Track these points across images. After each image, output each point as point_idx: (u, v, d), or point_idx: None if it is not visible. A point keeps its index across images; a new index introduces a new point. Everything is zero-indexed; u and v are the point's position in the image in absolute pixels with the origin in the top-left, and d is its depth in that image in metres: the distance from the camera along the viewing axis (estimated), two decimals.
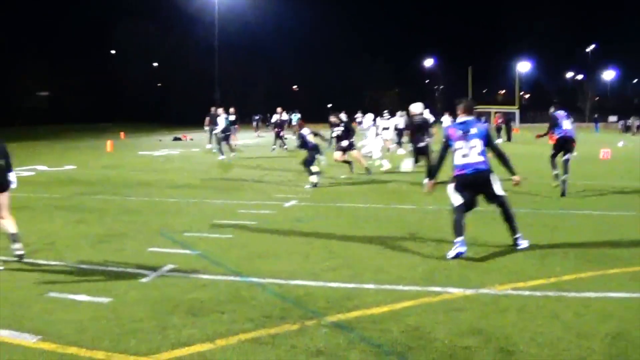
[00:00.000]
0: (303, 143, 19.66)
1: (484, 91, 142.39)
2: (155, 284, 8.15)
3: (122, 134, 60.36)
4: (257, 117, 66.81)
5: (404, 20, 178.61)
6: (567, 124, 16.99)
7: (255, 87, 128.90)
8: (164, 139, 54.00)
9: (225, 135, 32.26)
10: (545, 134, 19.02)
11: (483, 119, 53.43)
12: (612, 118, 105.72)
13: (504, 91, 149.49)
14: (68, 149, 34.54)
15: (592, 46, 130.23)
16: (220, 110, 34.73)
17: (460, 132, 9.95)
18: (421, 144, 18.91)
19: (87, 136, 61.15)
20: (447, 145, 10.10)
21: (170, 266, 8.99)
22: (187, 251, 10.02)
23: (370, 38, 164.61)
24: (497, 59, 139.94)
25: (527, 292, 7.65)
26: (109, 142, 40.17)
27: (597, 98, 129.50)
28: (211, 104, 46.64)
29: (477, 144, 9.83)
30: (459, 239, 9.51)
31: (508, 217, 10.03)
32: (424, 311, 6.91)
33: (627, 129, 73.53)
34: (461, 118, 10.16)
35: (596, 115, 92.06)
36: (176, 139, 53.40)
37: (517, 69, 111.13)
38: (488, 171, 9.91)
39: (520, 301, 7.29)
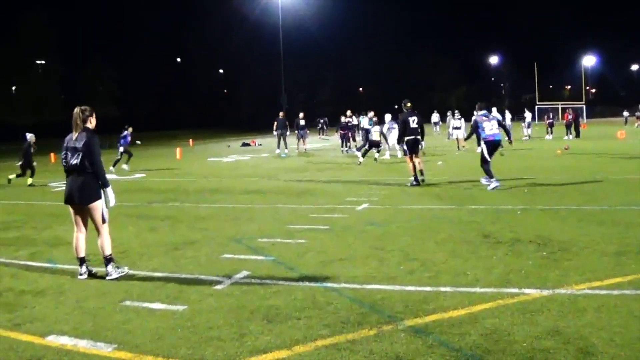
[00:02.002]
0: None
1: (550, 87, 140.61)
2: (231, 291, 8.18)
3: (190, 140, 61.02)
4: (322, 121, 66.81)
5: (468, 17, 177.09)
6: None
7: (321, 90, 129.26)
8: (232, 145, 54.50)
9: (367, 136, 34.17)
10: None
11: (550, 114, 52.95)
12: None
13: (569, 87, 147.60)
14: (137, 157, 34.81)
15: None
16: (370, 114, 35.79)
17: (485, 118, 18.13)
18: None
19: (156, 144, 61.94)
20: (476, 126, 18.58)
21: (245, 273, 9.03)
22: (262, 257, 10.05)
23: (436, 37, 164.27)
24: (562, 53, 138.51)
25: (604, 291, 7.51)
26: (178, 150, 40.73)
27: None
28: (278, 109, 46.90)
29: (495, 123, 18.12)
30: (494, 179, 17.53)
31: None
32: (501, 313, 6.83)
33: None
34: (482, 111, 18.56)
35: None
36: (245, 144, 53.88)
37: (582, 63, 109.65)
38: (500, 140, 18.33)
39: (598, 300, 7.15)
